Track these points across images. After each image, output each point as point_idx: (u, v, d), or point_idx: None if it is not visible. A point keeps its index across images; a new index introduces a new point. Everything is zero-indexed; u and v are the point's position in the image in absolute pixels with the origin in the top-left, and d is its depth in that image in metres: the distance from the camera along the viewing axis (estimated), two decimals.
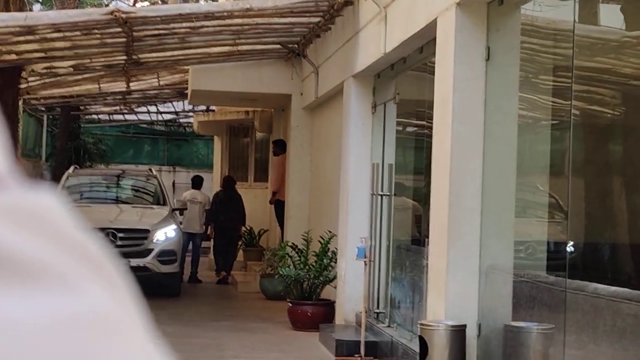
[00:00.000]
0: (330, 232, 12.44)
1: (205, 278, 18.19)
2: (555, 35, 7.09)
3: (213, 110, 23.07)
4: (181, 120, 30.05)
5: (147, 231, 15.22)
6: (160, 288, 15.49)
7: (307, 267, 12.39)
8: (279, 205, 17.07)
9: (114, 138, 30.05)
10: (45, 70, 15.84)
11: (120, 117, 28.99)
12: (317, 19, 12.79)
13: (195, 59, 15.45)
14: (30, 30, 11.77)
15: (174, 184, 28.88)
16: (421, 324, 7.46)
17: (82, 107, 25.06)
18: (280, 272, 12.59)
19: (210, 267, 19.19)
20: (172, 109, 28.04)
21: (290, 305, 12.40)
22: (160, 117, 29.59)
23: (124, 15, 11.81)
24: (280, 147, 17.29)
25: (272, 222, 18.47)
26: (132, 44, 13.30)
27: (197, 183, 18.84)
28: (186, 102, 23.68)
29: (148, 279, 15.29)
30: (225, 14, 12.53)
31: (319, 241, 12.49)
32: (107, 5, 24.32)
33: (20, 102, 16.83)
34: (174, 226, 15.73)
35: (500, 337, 7.28)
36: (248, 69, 16.12)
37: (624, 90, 6.71)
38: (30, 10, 21.06)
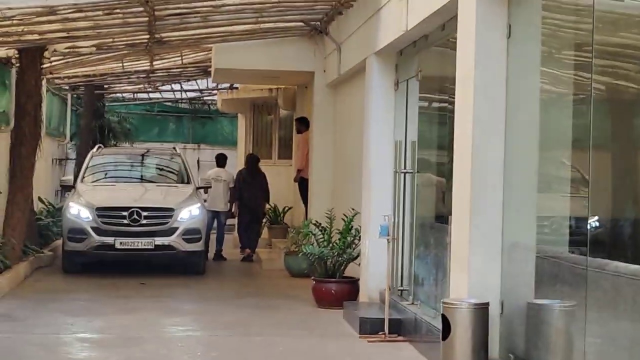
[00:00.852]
0: (353, 209, 12.44)
1: (229, 256, 18.24)
2: (578, 10, 7.03)
3: (237, 88, 23.06)
4: (205, 98, 30.05)
5: (171, 210, 15.27)
6: (185, 266, 15.59)
7: (330, 244, 12.40)
8: (303, 183, 17.09)
9: (139, 116, 30.11)
10: (67, 50, 15.87)
11: (145, 95, 29.06)
12: None
13: (218, 37, 15.44)
14: (52, 10, 11.78)
15: (198, 161, 28.98)
16: (444, 302, 7.46)
17: (106, 86, 25.09)
18: (304, 250, 12.61)
19: (235, 244, 19.23)
20: (196, 87, 28.04)
21: (314, 282, 12.43)
22: (184, 95, 29.61)
23: None
24: (304, 124, 17.29)
25: (296, 200, 18.48)
26: (155, 23, 13.30)
27: (221, 161, 18.84)
28: (210, 79, 23.73)
29: (173, 257, 15.41)
30: None
31: (343, 219, 12.50)
32: None
33: (44, 82, 16.87)
34: (198, 204, 15.77)
35: (523, 314, 7.29)
36: (271, 46, 16.11)
37: None
38: None
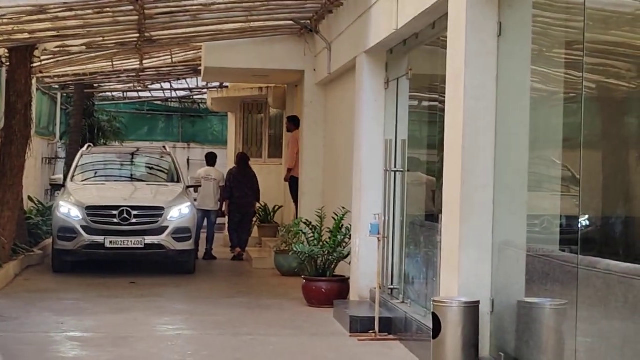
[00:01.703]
0: (344, 208, 12.44)
1: (220, 255, 18.24)
2: (568, 8, 7.03)
3: (227, 87, 23.03)
4: (195, 97, 30.01)
5: (161, 209, 15.24)
6: (175, 265, 15.56)
7: (321, 243, 12.39)
8: (293, 182, 17.08)
9: (128, 115, 30.06)
10: (58, 49, 15.83)
11: (134, 94, 29.00)
12: None
13: (207, 36, 15.42)
14: (42, 9, 11.75)
15: (188, 160, 28.93)
16: (434, 301, 7.46)
17: (95, 85, 25.04)
18: (295, 249, 12.60)
19: (225, 243, 19.22)
20: (186, 86, 27.99)
21: (305, 281, 12.41)
22: (174, 94, 29.55)
23: None
24: (294, 123, 17.27)
25: (286, 199, 18.49)
26: (144, 22, 13.28)
27: (211, 160, 18.83)
28: (200, 78, 23.69)
29: (163, 256, 15.39)
30: None
31: (333, 217, 12.50)
32: None
33: (34, 81, 16.82)
34: (188, 203, 15.74)
35: (513, 313, 7.28)
36: (260, 45, 16.10)
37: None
38: None
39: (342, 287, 12.17)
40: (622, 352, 5.70)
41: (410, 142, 10.81)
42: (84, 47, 15.80)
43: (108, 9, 12.37)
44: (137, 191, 16.07)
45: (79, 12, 12.32)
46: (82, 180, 16.63)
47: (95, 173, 17.39)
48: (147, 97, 29.77)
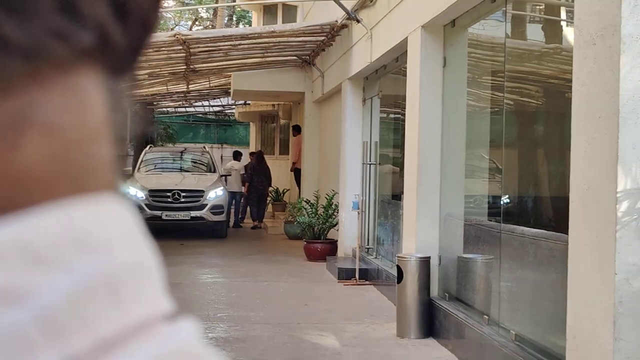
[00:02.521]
0: (333, 190, 12.43)
1: (245, 225, 18.20)
2: (493, 47, 7.02)
3: (249, 104, 22.99)
4: (226, 111, 29.93)
5: (202, 191, 15.21)
6: (212, 232, 15.53)
7: (317, 215, 12.39)
8: (297, 172, 17.07)
9: (178, 125, 29.94)
10: None
11: (183, 109, 28.90)
12: (322, 38, 12.71)
13: (235, 67, 15.37)
14: None
15: (221, 157, 28.84)
16: (398, 256, 7.46)
17: (155, 103, 24.96)
18: (298, 220, 12.60)
19: (248, 217, 19.18)
20: (220, 103, 27.91)
21: (305, 243, 12.40)
22: (211, 109, 29.49)
23: (183, 37, 11.74)
24: (298, 130, 17.25)
25: (292, 184, 18.48)
26: (190, 57, 13.23)
27: (236, 156, 18.78)
28: (230, 98, 23.65)
29: (204, 226, 15.36)
30: (256, 35, 12.45)
31: (325, 197, 12.49)
32: (171, 30, 24.19)
33: None
34: (221, 187, 15.70)
35: (455, 265, 7.29)
36: (273, 74, 16.06)
37: (544, 87, 6.66)
38: None
39: (332, 247, 12.17)
40: (532, 292, 5.71)
41: (381, 143, 10.79)
42: (147, 76, 15.75)
43: (164, 48, 12.34)
44: (184, 179, 16.03)
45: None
46: (145, 171, 16.60)
47: (155, 166, 17.34)
48: (192, 112, 29.68)
